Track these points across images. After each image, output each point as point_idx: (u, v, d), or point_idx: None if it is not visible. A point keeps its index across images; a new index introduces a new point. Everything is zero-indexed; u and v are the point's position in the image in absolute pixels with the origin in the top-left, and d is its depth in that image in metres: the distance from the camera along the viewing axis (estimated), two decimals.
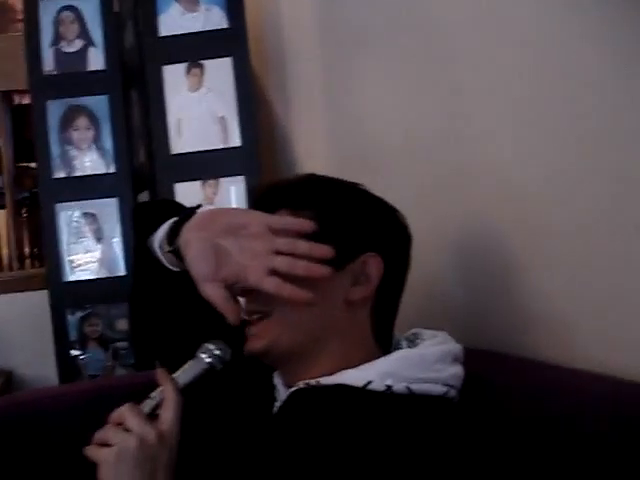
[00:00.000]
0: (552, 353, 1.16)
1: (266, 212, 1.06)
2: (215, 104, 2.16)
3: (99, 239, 2.36)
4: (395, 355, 1.03)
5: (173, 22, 2.20)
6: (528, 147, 1.26)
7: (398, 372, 1.00)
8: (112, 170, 2.33)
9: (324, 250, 0.97)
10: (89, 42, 2.38)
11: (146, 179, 2.23)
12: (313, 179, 1.16)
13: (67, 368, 2.32)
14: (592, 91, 1.11)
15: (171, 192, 2.14)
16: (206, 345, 1.04)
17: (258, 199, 1.13)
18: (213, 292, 0.98)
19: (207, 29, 2.18)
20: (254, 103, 2.17)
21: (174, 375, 1.02)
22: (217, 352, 1.04)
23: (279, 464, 0.97)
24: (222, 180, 2.12)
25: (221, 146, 2.15)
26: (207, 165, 2.14)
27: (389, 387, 0.98)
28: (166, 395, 1.00)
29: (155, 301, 1.20)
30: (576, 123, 1.14)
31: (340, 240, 1.03)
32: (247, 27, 2.16)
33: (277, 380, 1.13)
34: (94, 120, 2.36)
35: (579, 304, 1.13)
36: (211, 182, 2.13)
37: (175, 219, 1.08)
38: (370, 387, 0.99)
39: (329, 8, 1.96)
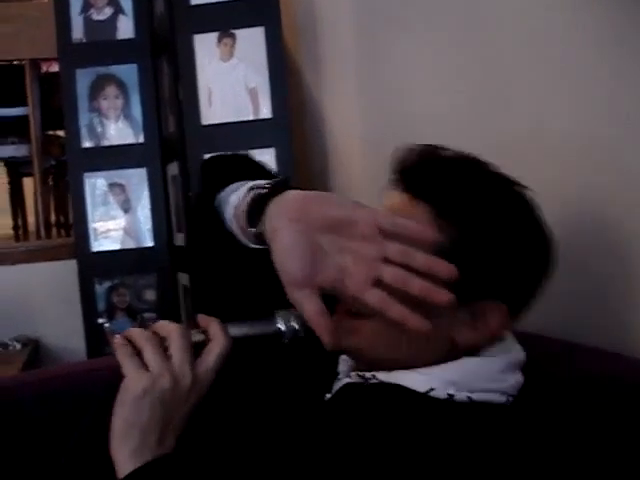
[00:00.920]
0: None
1: (403, 183, 0.90)
2: (246, 74, 2.13)
3: (127, 210, 2.36)
4: (461, 363, 0.90)
5: None
6: (576, 121, 1.23)
7: (462, 382, 0.89)
8: (141, 140, 2.32)
9: (449, 270, 0.77)
10: (119, 10, 2.36)
11: (175, 150, 2.21)
12: (465, 166, 0.93)
13: (95, 338, 2.33)
14: None
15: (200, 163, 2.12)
16: (286, 312, 0.90)
17: (399, 166, 0.94)
18: (307, 302, 0.81)
19: None
20: (286, 74, 2.14)
21: (232, 323, 0.90)
22: (294, 325, 0.90)
23: (314, 459, 0.86)
24: (252, 152, 2.09)
25: (252, 117, 2.12)
26: (237, 136, 2.12)
27: (451, 396, 0.88)
28: (214, 337, 0.88)
29: (217, 267, 1.07)
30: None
31: (471, 269, 0.83)
32: None
33: (342, 366, 1.00)
34: (123, 89, 2.35)
35: None
36: (242, 153, 2.11)
37: (257, 188, 0.91)
38: (432, 394, 0.88)
39: None
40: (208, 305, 1.15)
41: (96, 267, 2.35)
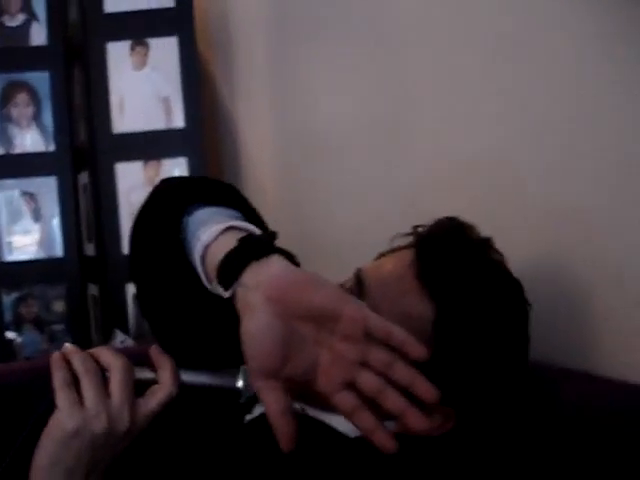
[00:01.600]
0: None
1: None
2: (159, 84, 2.12)
3: (37, 219, 2.30)
4: None
5: None
6: (477, 134, 1.25)
7: None
8: (52, 148, 2.27)
9: (431, 393, 0.68)
10: (32, 16, 2.31)
11: (86, 158, 2.18)
12: (486, 277, 0.90)
13: (2, 349, 2.27)
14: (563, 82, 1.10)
15: (111, 172, 2.10)
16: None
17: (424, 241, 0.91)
18: (270, 397, 0.72)
19: (153, 7, 2.13)
20: (199, 84, 2.13)
21: (187, 370, 0.84)
22: None
23: None
24: (164, 161, 2.08)
25: (164, 127, 2.11)
26: (149, 145, 2.10)
27: None
28: (163, 382, 0.81)
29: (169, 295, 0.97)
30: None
31: (448, 385, 0.75)
32: (194, 6, 2.12)
33: None
34: (35, 96, 2.30)
35: None
36: (153, 163, 2.09)
37: (234, 230, 0.81)
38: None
39: None
40: (157, 324, 1.02)
41: (4, 277, 2.29)
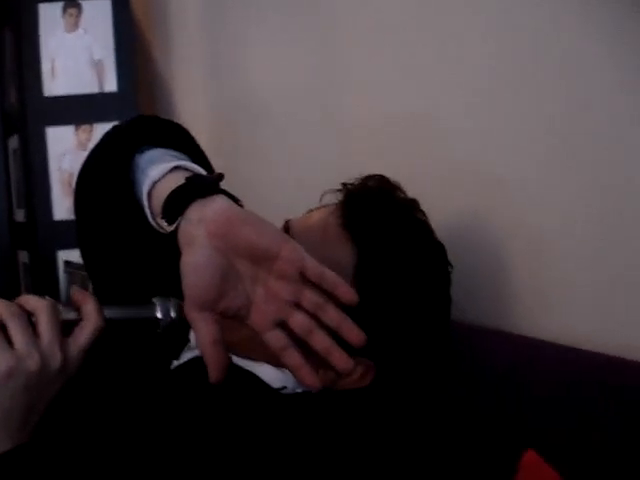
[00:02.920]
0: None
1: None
2: (92, 46, 2.07)
3: None
4: None
5: None
6: (410, 93, 1.26)
7: None
8: None
9: (358, 337, 0.72)
10: None
11: (16, 122, 2.13)
12: (406, 226, 0.92)
13: None
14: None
15: (42, 136, 2.05)
16: (164, 299, 0.84)
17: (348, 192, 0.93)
18: (203, 327, 0.74)
19: None
20: (133, 47, 2.10)
21: (107, 305, 0.83)
22: (172, 314, 0.83)
23: (161, 433, 0.84)
24: (97, 126, 2.04)
25: (96, 90, 2.07)
26: (81, 109, 2.06)
27: (297, 393, 0.88)
28: (88, 316, 0.79)
29: (108, 228, 0.97)
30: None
31: (374, 334, 0.76)
32: None
33: (193, 335, 0.95)
34: None
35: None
36: (85, 127, 2.05)
37: (182, 170, 0.83)
38: (283, 392, 0.89)
39: None
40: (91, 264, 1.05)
41: None
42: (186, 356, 0.96)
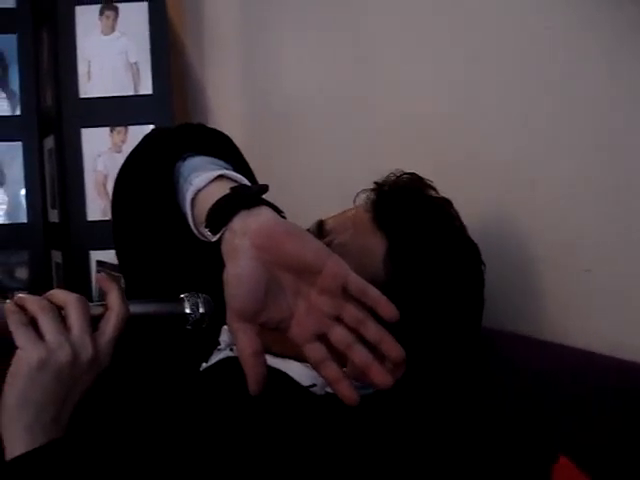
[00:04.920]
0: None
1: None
2: (128, 49, 2.09)
3: (2, 184, 2.28)
4: None
5: None
6: (439, 99, 1.25)
7: None
8: (17, 112, 2.25)
9: (397, 352, 0.72)
10: None
11: (52, 123, 2.15)
12: (438, 221, 0.93)
13: None
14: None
15: (78, 137, 2.07)
16: (193, 296, 0.85)
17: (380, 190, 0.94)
18: (245, 338, 0.74)
19: None
20: (168, 50, 2.11)
21: (134, 300, 0.84)
22: (202, 311, 0.85)
23: (192, 433, 0.84)
24: (131, 128, 2.06)
25: (132, 93, 2.08)
26: (116, 111, 2.07)
27: (328, 393, 0.87)
28: (112, 305, 0.80)
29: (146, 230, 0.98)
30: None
31: (406, 333, 0.77)
32: None
33: (224, 336, 0.99)
34: (2, 60, 2.27)
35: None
36: (120, 129, 2.07)
37: (227, 179, 0.83)
38: (312, 390, 0.89)
39: None
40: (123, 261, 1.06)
41: None
42: (215, 358, 0.96)
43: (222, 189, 0.80)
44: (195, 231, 0.85)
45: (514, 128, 1.09)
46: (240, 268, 0.74)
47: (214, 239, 0.78)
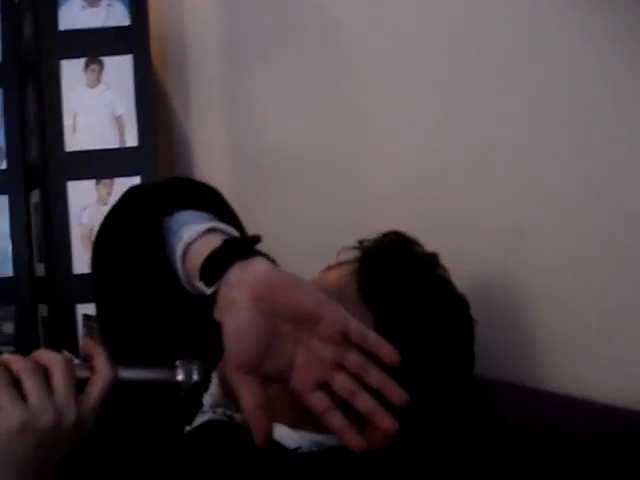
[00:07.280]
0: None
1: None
2: (113, 102, 2.09)
3: None
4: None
5: (74, 16, 2.12)
6: (424, 151, 1.25)
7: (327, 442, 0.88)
8: (4, 166, 2.24)
9: (400, 395, 0.72)
10: None
11: (38, 176, 2.14)
12: (426, 289, 0.90)
13: None
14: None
15: (64, 190, 2.06)
16: (187, 362, 0.82)
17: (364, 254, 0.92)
18: (248, 391, 0.74)
19: (108, 25, 2.11)
20: (153, 103, 2.11)
21: (124, 365, 0.81)
22: (195, 377, 0.81)
23: None
24: (117, 180, 2.05)
25: (117, 145, 2.08)
26: (102, 164, 2.07)
27: (313, 452, 0.88)
28: (99, 369, 0.77)
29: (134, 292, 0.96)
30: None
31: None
32: (149, 25, 2.10)
33: (207, 399, 0.96)
34: None
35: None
36: (106, 182, 2.06)
37: (217, 232, 0.83)
38: (299, 452, 0.88)
39: (232, 12, 1.94)
40: (105, 322, 1.04)
41: None
42: (199, 420, 0.94)
43: (214, 242, 0.80)
44: (187, 285, 0.85)
45: (500, 177, 1.10)
46: (240, 321, 0.74)
47: (209, 292, 0.77)
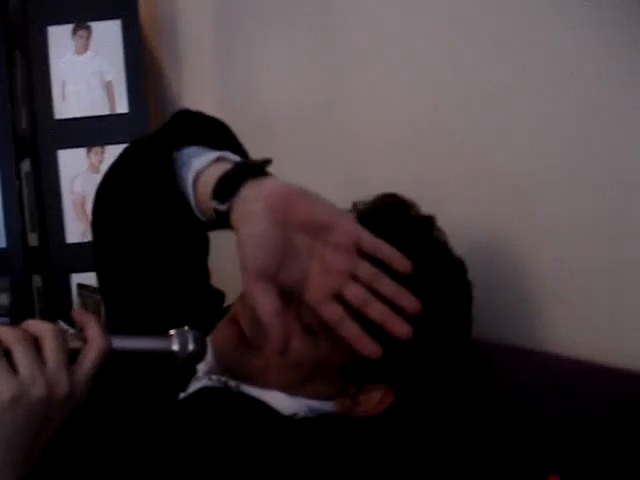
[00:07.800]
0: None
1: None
2: (102, 68, 2.06)
3: None
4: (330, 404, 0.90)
5: None
6: (408, 112, 1.24)
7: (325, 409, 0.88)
8: None
9: (413, 304, 0.74)
10: None
11: (28, 146, 2.12)
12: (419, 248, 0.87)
13: None
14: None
15: (54, 159, 2.04)
16: (183, 331, 0.79)
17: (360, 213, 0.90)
18: (265, 298, 0.74)
19: None
20: (143, 68, 2.08)
21: (117, 334, 0.78)
22: (191, 347, 0.79)
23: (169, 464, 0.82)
24: (108, 147, 2.03)
25: (107, 112, 2.05)
26: (93, 131, 2.05)
27: (308, 417, 0.88)
28: (91, 339, 0.74)
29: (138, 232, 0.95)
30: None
31: (389, 364, 0.79)
32: None
33: (201, 364, 0.93)
34: None
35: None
36: (97, 149, 2.04)
37: (225, 161, 0.84)
38: (296, 418, 0.88)
39: None
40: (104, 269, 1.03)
41: None
42: (194, 387, 0.93)
43: (224, 168, 0.81)
44: (198, 212, 0.86)
45: (499, 136, 1.08)
46: (256, 229, 0.75)
47: (223, 209, 0.78)
